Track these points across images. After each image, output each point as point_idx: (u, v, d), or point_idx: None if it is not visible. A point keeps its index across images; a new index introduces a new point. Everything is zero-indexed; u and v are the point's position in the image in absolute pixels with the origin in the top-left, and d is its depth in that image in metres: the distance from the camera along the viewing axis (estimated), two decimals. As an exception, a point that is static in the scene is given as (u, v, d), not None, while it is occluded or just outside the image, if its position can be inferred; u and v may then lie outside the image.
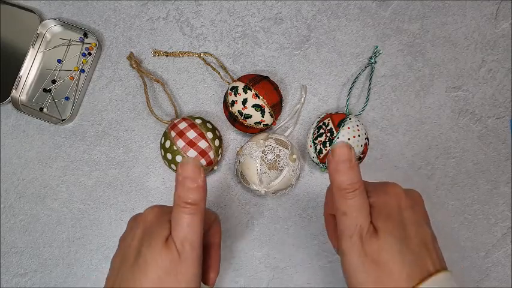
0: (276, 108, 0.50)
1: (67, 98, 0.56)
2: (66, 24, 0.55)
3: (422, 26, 0.55)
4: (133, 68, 0.54)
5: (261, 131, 0.52)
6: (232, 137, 0.55)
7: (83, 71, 0.56)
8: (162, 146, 0.50)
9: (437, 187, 0.54)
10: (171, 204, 0.35)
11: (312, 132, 0.50)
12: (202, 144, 0.49)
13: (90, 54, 0.56)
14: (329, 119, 0.49)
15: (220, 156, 0.52)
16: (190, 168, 0.33)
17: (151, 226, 0.36)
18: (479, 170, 0.54)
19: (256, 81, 0.49)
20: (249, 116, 0.49)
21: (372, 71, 0.54)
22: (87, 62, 0.56)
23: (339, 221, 0.34)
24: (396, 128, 0.54)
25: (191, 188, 0.33)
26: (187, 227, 0.33)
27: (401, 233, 0.32)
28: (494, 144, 0.54)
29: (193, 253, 0.34)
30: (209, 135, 0.50)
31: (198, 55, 0.55)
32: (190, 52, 0.55)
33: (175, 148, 0.48)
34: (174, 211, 0.34)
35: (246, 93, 0.48)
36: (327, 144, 0.48)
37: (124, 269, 0.35)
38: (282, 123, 0.54)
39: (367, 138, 0.50)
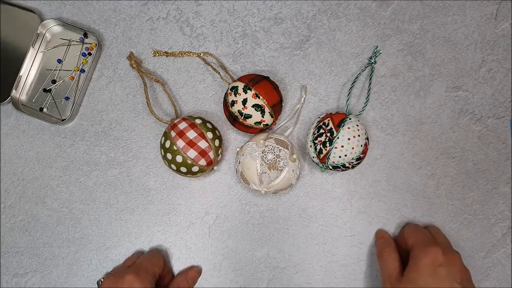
0: (276, 108, 0.50)
1: (67, 98, 0.56)
2: (66, 24, 0.55)
3: (422, 26, 0.55)
4: (133, 68, 0.54)
5: (261, 131, 0.52)
6: (232, 137, 0.55)
7: (83, 71, 0.56)
8: (162, 146, 0.50)
9: (437, 187, 0.54)
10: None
11: (312, 132, 0.50)
12: (202, 144, 0.49)
13: (90, 54, 0.56)
14: (329, 119, 0.49)
15: (220, 156, 0.52)
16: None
17: None
18: (479, 170, 0.54)
19: (256, 81, 0.49)
20: (249, 116, 0.49)
21: (372, 71, 0.54)
22: (87, 62, 0.56)
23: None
24: (396, 128, 0.54)
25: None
26: None
27: (427, 282, 0.44)
28: (494, 144, 0.54)
29: None
30: (209, 135, 0.50)
31: (198, 55, 0.55)
32: (190, 52, 0.55)
33: (175, 148, 0.48)
34: None
35: (246, 93, 0.48)
36: (327, 144, 0.48)
37: None
38: (282, 123, 0.54)
39: (367, 138, 0.50)
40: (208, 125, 0.51)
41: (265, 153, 0.48)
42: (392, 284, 0.48)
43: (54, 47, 0.56)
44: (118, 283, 0.46)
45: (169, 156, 0.49)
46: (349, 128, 0.48)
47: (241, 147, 0.50)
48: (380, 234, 0.53)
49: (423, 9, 0.55)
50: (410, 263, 0.47)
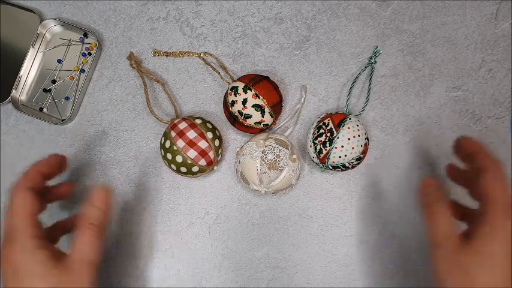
0: (276, 108, 0.50)
1: (67, 98, 0.56)
2: (66, 24, 0.55)
3: (422, 26, 0.55)
4: (133, 68, 0.54)
5: (261, 131, 0.52)
6: (232, 137, 0.55)
7: (83, 71, 0.56)
8: (162, 146, 0.50)
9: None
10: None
11: (312, 132, 0.50)
12: (202, 144, 0.49)
13: (90, 54, 0.56)
14: (329, 119, 0.49)
15: (220, 156, 0.52)
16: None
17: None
18: (479, 170, 0.54)
19: (256, 81, 0.49)
20: (249, 116, 0.49)
21: (372, 71, 0.54)
22: (87, 62, 0.56)
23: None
24: (396, 128, 0.54)
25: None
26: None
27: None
28: (494, 144, 0.54)
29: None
30: (209, 135, 0.50)
31: (198, 55, 0.55)
32: (190, 52, 0.55)
33: (175, 148, 0.48)
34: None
35: (246, 93, 0.48)
36: (327, 144, 0.48)
37: None
38: (282, 123, 0.54)
39: (367, 138, 0.50)
40: (208, 125, 0.51)
41: (265, 153, 0.48)
42: (455, 250, 0.37)
43: (54, 47, 0.56)
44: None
45: (169, 156, 0.49)
46: (349, 128, 0.48)
47: (241, 147, 0.50)
48: (427, 182, 0.43)
49: (423, 9, 0.55)
50: (486, 230, 0.36)
